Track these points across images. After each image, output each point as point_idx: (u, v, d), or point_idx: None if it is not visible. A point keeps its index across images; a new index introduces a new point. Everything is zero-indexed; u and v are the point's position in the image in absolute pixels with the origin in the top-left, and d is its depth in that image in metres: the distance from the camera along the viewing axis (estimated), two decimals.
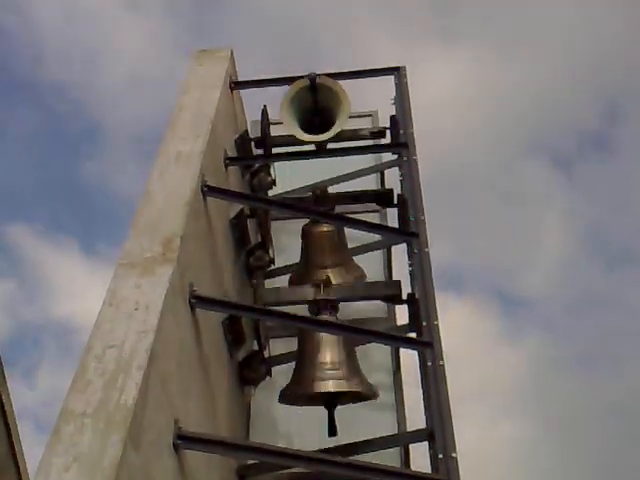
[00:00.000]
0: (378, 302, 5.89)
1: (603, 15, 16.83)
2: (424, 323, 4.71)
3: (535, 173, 18.27)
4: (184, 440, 3.55)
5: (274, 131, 6.53)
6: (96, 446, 2.96)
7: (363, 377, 4.97)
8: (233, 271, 5.51)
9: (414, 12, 17.99)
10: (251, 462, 4.73)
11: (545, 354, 17.43)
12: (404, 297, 5.34)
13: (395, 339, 5.06)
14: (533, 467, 14.59)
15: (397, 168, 6.21)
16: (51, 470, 2.89)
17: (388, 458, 5.01)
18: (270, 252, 5.96)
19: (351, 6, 17.51)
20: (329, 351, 4.92)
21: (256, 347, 5.38)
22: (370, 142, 6.72)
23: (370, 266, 6.19)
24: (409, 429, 5.37)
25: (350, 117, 6.34)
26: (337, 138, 6.16)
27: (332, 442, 4.85)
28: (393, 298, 5.54)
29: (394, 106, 6.65)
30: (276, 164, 6.45)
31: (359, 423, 5.52)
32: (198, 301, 4.17)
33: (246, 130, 6.57)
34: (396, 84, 6.68)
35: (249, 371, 5.25)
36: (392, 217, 6.35)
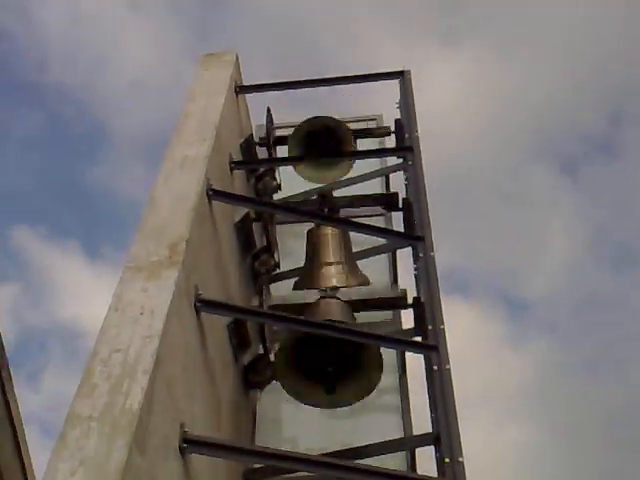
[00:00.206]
0: None
1: (605, 16, 16.82)
2: (430, 327, 4.71)
3: (540, 176, 18.24)
4: (189, 444, 3.55)
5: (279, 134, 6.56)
6: (102, 450, 2.96)
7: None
8: (238, 275, 5.51)
9: (414, 12, 17.98)
10: (257, 466, 4.73)
11: (550, 358, 17.41)
12: (409, 301, 5.34)
13: (401, 343, 5.06)
14: (539, 472, 14.56)
15: (402, 172, 6.21)
16: (57, 474, 2.90)
17: (394, 462, 5.00)
18: (275, 256, 5.96)
19: (351, 6, 17.51)
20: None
21: (261, 351, 5.38)
22: (375, 146, 6.73)
23: (375, 270, 6.18)
24: (415, 433, 5.37)
25: (355, 121, 6.35)
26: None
27: (337, 446, 4.85)
28: (398, 306, 5.57)
29: (399, 110, 6.66)
30: (281, 168, 6.46)
31: (365, 426, 5.52)
32: (203, 305, 4.18)
33: (251, 134, 6.58)
34: (401, 88, 6.68)
35: (254, 375, 5.25)
36: (397, 221, 6.35)
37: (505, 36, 18.28)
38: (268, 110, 6.53)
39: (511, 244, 17.81)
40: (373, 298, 5.79)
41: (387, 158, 6.73)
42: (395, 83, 6.75)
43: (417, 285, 5.34)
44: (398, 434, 5.40)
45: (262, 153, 6.65)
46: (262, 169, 6.38)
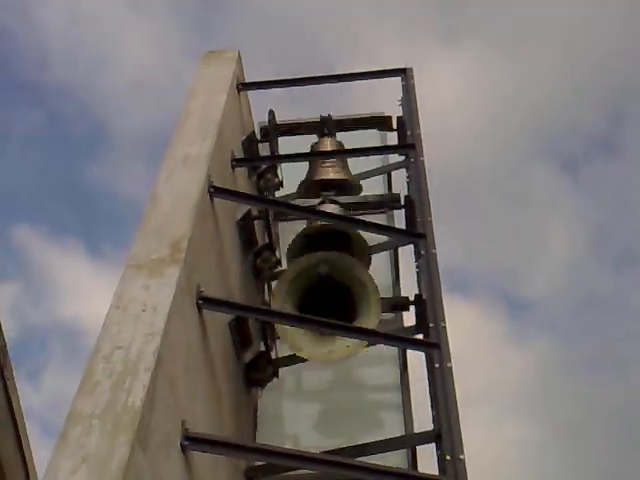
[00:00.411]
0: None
1: (605, 16, 16.81)
2: (431, 324, 4.71)
3: (541, 176, 18.23)
4: (191, 441, 3.56)
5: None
6: (104, 447, 2.97)
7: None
8: (240, 272, 5.51)
9: (415, 12, 17.98)
10: (258, 463, 4.74)
11: (551, 357, 17.41)
12: (411, 299, 5.35)
13: (403, 340, 5.06)
14: (540, 470, 14.56)
15: (404, 170, 6.21)
16: (59, 471, 2.90)
17: (395, 459, 5.01)
18: (277, 253, 5.96)
19: (351, 6, 17.50)
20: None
21: (263, 348, 5.38)
22: (377, 143, 6.74)
23: (377, 267, 6.18)
24: (416, 430, 5.37)
25: (357, 119, 6.35)
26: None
27: (338, 443, 4.86)
28: (401, 308, 5.59)
29: (401, 108, 6.65)
30: (283, 165, 6.46)
31: (366, 424, 5.53)
32: (205, 302, 4.18)
33: (253, 131, 6.58)
34: (403, 85, 6.68)
35: (256, 372, 5.26)
36: (399, 218, 6.35)
37: (505, 36, 18.29)
38: (271, 111, 6.54)
39: (512, 243, 17.81)
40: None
41: (389, 156, 6.73)
42: (397, 83, 6.74)
43: (419, 283, 5.34)
44: (399, 432, 5.41)
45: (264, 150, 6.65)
46: (264, 166, 6.38)
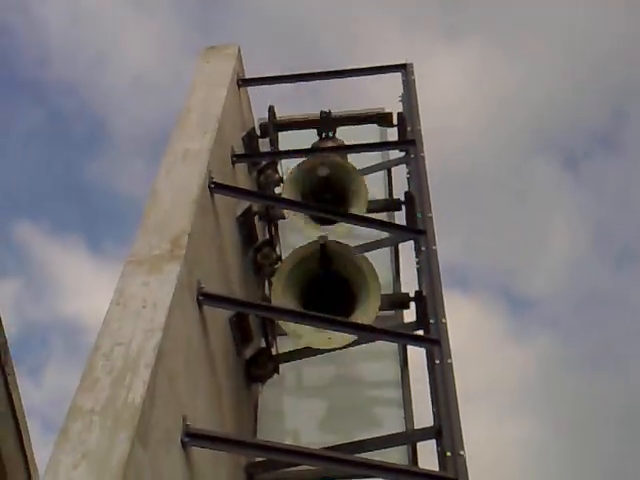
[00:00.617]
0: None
1: (608, 13, 16.81)
2: (432, 321, 4.70)
3: (543, 173, 18.24)
4: (192, 437, 3.56)
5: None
6: (104, 444, 2.96)
7: None
8: (240, 268, 5.51)
9: (416, 10, 17.98)
10: (259, 459, 4.74)
11: (552, 354, 17.42)
12: (411, 295, 5.34)
13: (403, 337, 5.05)
14: (541, 467, 14.58)
15: (404, 166, 6.19)
16: (59, 467, 2.90)
17: (395, 456, 5.01)
18: (277, 249, 5.96)
19: (351, 6, 17.51)
20: None
21: (263, 344, 5.38)
22: (377, 140, 6.72)
23: (377, 264, 6.17)
24: (416, 426, 5.37)
25: (357, 115, 6.34)
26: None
27: (339, 439, 4.85)
28: (401, 305, 5.58)
29: (401, 104, 6.64)
30: (283, 161, 6.45)
31: (366, 420, 5.52)
32: (205, 298, 4.18)
33: (253, 127, 6.57)
34: (403, 81, 6.67)
35: (256, 368, 5.25)
36: (399, 214, 6.35)
37: (507, 34, 18.30)
38: (270, 107, 6.54)
39: (513, 240, 17.83)
40: None
41: (389, 152, 6.73)
42: (397, 80, 6.73)
43: (419, 279, 5.33)
44: (399, 428, 5.41)
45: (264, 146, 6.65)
46: (264, 162, 6.38)
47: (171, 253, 3.98)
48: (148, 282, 3.78)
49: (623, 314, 18.13)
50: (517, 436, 15.57)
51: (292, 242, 6.41)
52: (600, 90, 18.34)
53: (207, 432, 3.73)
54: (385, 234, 6.07)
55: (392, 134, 6.71)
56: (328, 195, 5.65)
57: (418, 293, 5.17)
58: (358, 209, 5.39)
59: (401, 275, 6.35)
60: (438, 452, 4.31)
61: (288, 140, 6.69)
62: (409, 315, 5.66)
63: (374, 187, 6.57)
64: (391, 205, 6.30)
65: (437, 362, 4.46)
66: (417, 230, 5.34)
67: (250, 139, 6.31)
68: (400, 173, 6.39)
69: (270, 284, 5.79)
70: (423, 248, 5.17)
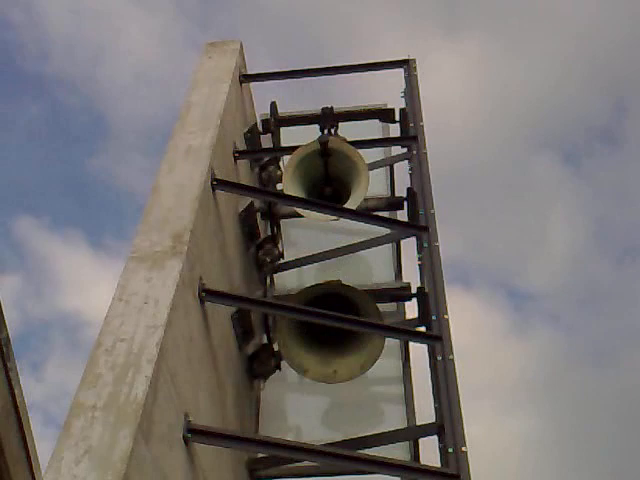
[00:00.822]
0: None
1: (608, 9, 16.79)
2: (434, 317, 4.70)
3: (543, 168, 18.23)
4: (194, 433, 3.56)
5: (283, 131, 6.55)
6: (106, 439, 2.97)
7: None
8: (242, 265, 5.51)
9: (417, 6, 17.97)
10: (261, 455, 4.74)
11: (554, 349, 17.43)
12: (413, 291, 5.34)
13: (405, 333, 5.05)
14: (542, 461, 14.58)
15: (407, 162, 6.19)
16: (62, 463, 2.91)
17: (397, 452, 5.01)
18: (279, 246, 5.96)
19: (353, 2, 17.50)
20: None
21: (265, 340, 5.38)
22: (380, 136, 6.71)
23: (379, 260, 6.18)
24: (418, 422, 5.37)
25: (359, 111, 6.32)
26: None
27: (341, 435, 4.86)
28: (402, 297, 5.58)
29: (403, 100, 6.63)
30: (285, 157, 6.44)
31: (368, 416, 5.52)
32: (207, 294, 4.18)
33: (255, 123, 6.56)
34: (405, 77, 6.66)
35: (258, 364, 5.26)
36: (401, 211, 6.33)
37: (508, 29, 18.27)
38: (273, 103, 6.52)
39: (514, 236, 17.82)
40: (377, 289, 5.80)
41: (391, 148, 6.71)
42: (399, 76, 6.72)
43: (421, 275, 5.33)
44: (401, 424, 5.41)
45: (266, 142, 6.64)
46: (266, 158, 6.37)
47: (173, 249, 3.98)
48: (150, 278, 3.78)
49: (624, 310, 18.13)
50: (518, 431, 15.58)
51: (294, 238, 6.41)
52: (600, 86, 18.33)
53: (209, 428, 3.73)
54: (387, 230, 6.06)
55: (394, 130, 6.70)
56: (329, 172, 5.79)
57: (420, 289, 5.16)
58: (360, 190, 5.55)
59: (403, 271, 6.34)
60: (440, 448, 4.32)
61: (290, 136, 6.68)
62: (411, 311, 5.66)
63: (376, 184, 6.57)
64: (393, 203, 6.28)
65: (439, 358, 4.46)
66: (419, 226, 5.33)
67: (252, 135, 6.30)
68: (402, 169, 6.39)
69: (272, 281, 5.79)
70: (425, 244, 5.17)
